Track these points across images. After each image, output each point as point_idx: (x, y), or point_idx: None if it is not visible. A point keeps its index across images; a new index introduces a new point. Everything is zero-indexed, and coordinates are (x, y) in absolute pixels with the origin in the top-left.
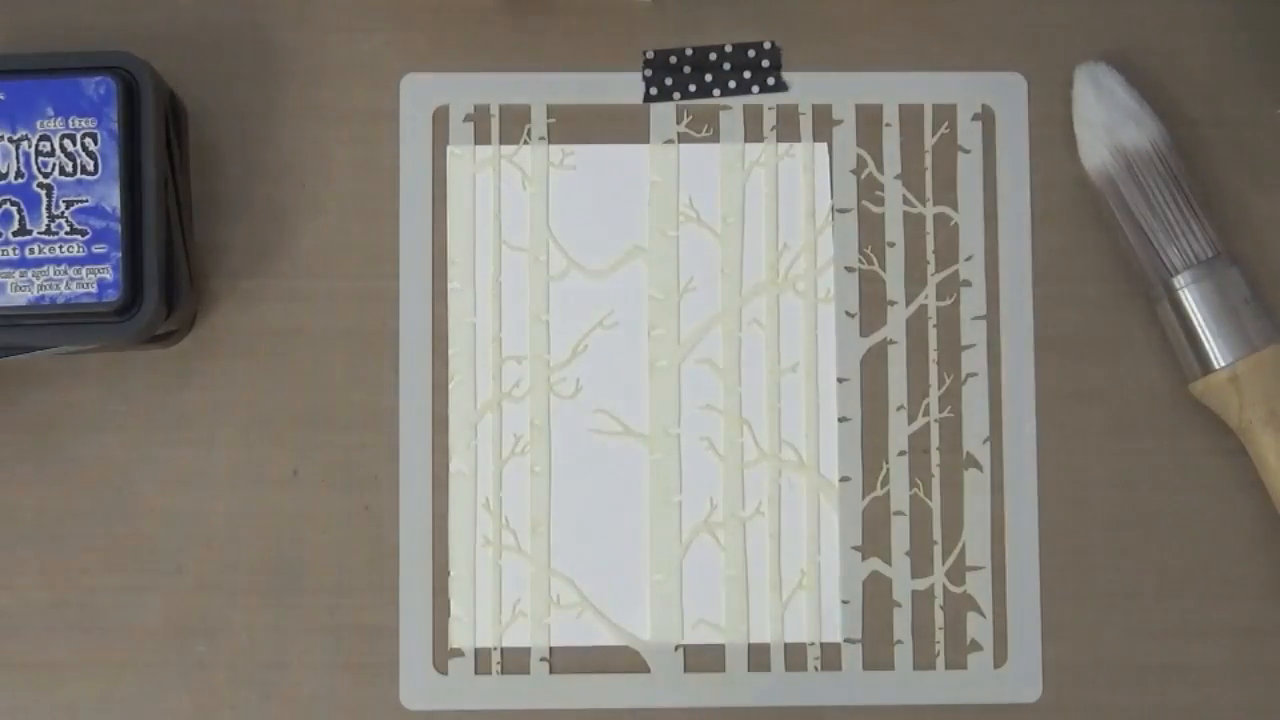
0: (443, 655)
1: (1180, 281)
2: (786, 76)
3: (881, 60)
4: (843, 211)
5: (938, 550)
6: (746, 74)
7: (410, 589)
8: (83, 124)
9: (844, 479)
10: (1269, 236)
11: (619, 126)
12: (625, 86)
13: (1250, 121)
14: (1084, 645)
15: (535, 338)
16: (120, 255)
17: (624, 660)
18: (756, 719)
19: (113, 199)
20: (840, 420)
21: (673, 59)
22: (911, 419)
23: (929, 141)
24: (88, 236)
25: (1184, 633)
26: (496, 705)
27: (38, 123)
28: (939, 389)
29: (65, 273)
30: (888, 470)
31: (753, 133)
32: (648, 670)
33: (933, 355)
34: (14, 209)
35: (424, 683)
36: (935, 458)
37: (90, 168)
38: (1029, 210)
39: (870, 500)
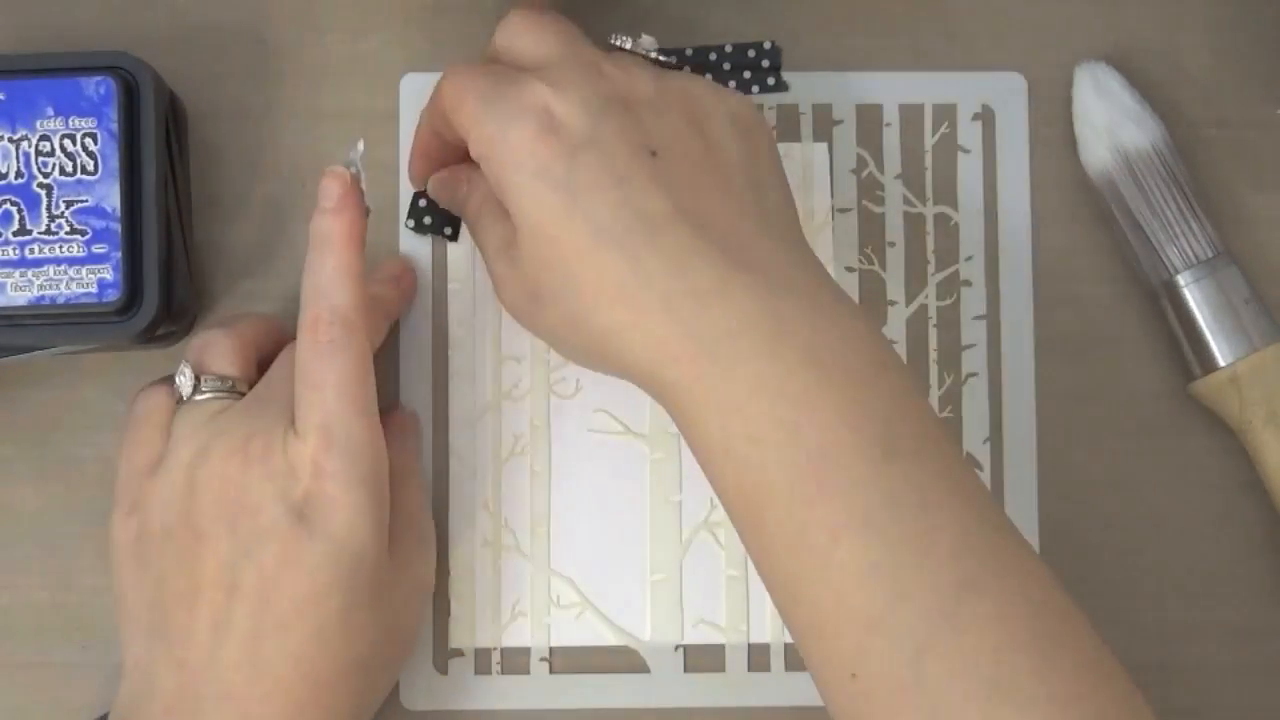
0: (443, 655)
1: (1180, 281)
2: (786, 76)
3: (881, 60)
4: (843, 211)
5: None
6: (746, 74)
7: None
8: (82, 124)
9: None
10: (1269, 236)
11: None
12: None
13: (1250, 121)
14: None
15: (535, 338)
16: (120, 255)
17: (624, 660)
18: (756, 719)
19: (113, 199)
20: None
21: (673, 59)
22: None
23: (929, 141)
24: (88, 236)
25: (1184, 633)
26: (496, 705)
27: (38, 123)
28: (939, 389)
29: (65, 273)
30: None
31: None
32: (648, 670)
33: (933, 355)
34: (14, 209)
35: (424, 683)
36: None
37: (90, 168)
38: (1029, 210)
39: None
